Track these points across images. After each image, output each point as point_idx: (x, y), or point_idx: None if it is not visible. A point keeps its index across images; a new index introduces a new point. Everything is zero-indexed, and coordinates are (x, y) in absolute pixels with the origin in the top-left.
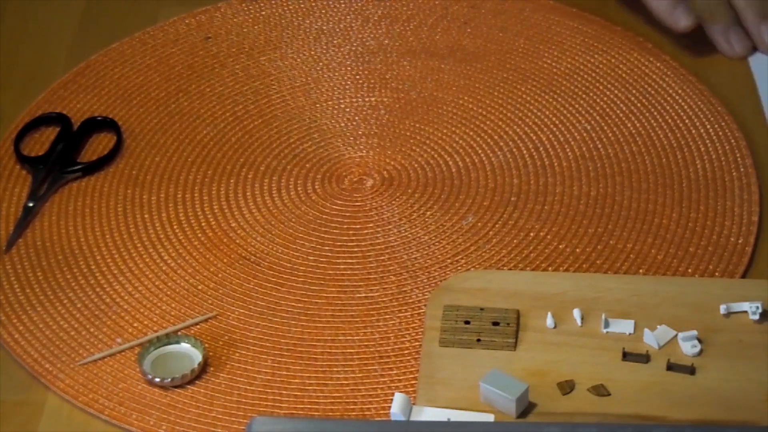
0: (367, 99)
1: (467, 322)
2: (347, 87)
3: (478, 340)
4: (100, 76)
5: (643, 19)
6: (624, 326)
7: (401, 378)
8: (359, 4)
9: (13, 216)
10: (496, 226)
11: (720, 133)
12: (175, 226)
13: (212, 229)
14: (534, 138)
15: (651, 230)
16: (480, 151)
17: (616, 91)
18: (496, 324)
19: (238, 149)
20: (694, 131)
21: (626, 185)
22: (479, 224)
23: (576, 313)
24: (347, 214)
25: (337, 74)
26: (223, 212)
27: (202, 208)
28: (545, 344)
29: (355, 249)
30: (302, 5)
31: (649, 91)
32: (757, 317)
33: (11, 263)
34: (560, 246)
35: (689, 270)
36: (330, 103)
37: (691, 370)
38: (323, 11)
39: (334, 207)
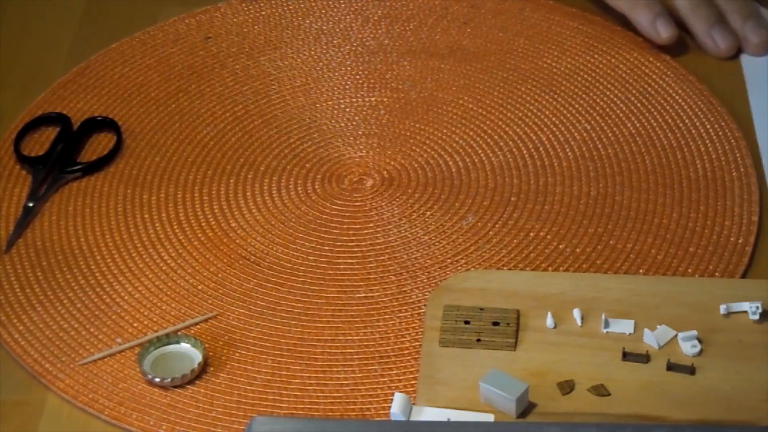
0: (367, 99)
1: (467, 322)
2: (347, 87)
3: (478, 340)
4: (100, 76)
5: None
6: (624, 326)
7: (401, 378)
8: (359, 4)
9: (13, 216)
10: (496, 226)
11: (720, 133)
12: (175, 226)
13: (212, 229)
14: (534, 138)
15: (651, 230)
16: (480, 151)
17: (616, 91)
18: (496, 324)
19: (238, 149)
20: (694, 131)
21: (626, 185)
22: (479, 224)
23: (576, 313)
24: (347, 214)
25: (337, 74)
26: (223, 212)
27: (202, 208)
28: (545, 344)
29: (355, 249)
30: (302, 5)
31: (649, 91)
32: (757, 317)
33: (11, 263)
34: (560, 246)
35: (689, 270)
36: (330, 103)
37: (691, 370)
38: (323, 11)
39: (334, 207)
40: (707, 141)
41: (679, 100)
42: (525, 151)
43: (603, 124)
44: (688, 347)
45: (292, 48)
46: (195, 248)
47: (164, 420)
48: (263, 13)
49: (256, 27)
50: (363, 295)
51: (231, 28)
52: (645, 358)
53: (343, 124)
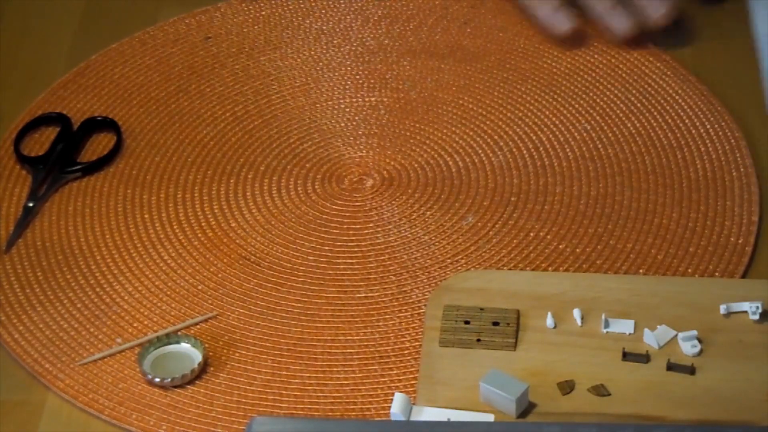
0: (367, 99)
1: (467, 322)
2: (347, 87)
3: (478, 340)
4: (100, 76)
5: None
6: (624, 326)
7: (401, 378)
8: (359, 4)
9: (13, 216)
10: (496, 226)
11: (720, 133)
12: (175, 226)
13: (212, 229)
14: (534, 138)
15: (651, 230)
16: (480, 151)
17: (616, 91)
18: (496, 324)
19: (238, 149)
20: (694, 131)
21: (626, 185)
22: (479, 224)
23: (576, 313)
24: (347, 214)
25: (337, 74)
26: (223, 212)
27: (202, 208)
28: (545, 344)
29: (355, 249)
30: (302, 5)
31: (649, 91)
32: (757, 317)
33: (11, 263)
34: (560, 246)
35: (689, 270)
36: (330, 103)
37: (691, 370)
38: (323, 11)
39: (334, 207)
40: (707, 141)
41: (679, 100)
42: (525, 151)
43: (603, 124)
44: (688, 347)
45: (292, 48)
46: (195, 248)
47: (164, 420)
48: (263, 13)
49: (256, 27)
50: (363, 295)
51: (231, 28)
52: (645, 358)
53: (343, 124)
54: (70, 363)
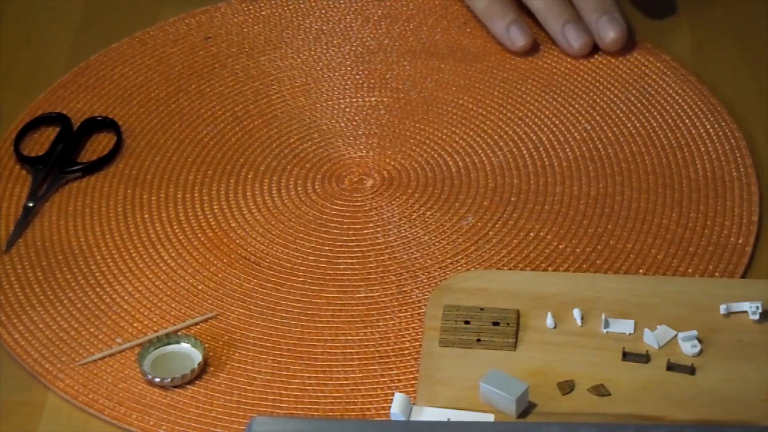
0: (367, 99)
1: (467, 322)
2: (347, 87)
3: (478, 340)
4: (100, 76)
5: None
6: (624, 326)
7: (401, 378)
8: (359, 4)
9: (13, 216)
10: (496, 226)
11: (720, 133)
12: (175, 226)
13: (212, 229)
14: (534, 138)
15: (651, 230)
16: (480, 151)
17: (616, 91)
18: (496, 324)
19: (238, 149)
20: (694, 131)
21: (626, 185)
22: (479, 224)
23: (576, 313)
24: (347, 214)
25: (337, 74)
26: (223, 212)
27: (202, 208)
28: (545, 344)
29: (355, 249)
30: (302, 5)
31: (649, 91)
32: (757, 317)
33: (11, 263)
34: (560, 246)
35: (689, 270)
36: (330, 103)
37: (691, 370)
38: (323, 11)
39: (334, 207)
40: (707, 141)
41: (679, 100)
42: (525, 151)
43: (603, 124)
44: (688, 347)
45: (292, 48)
46: (195, 248)
47: (164, 420)
48: (263, 13)
49: (256, 27)
50: (363, 295)
51: (231, 28)
52: (645, 358)
53: (343, 124)
54: (70, 363)
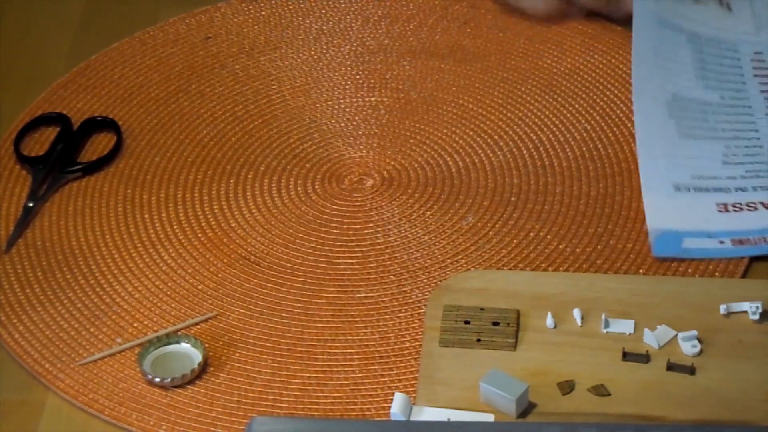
0: (367, 99)
1: (467, 322)
2: (347, 87)
3: (478, 340)
4: (100, 76)
5: None
6: (624, 326)
7: (401, 378)
8: (359, 4)
9: (13, 216)
10: (496, 226)
11: None
12: (175, 226)
13: (212, 229)
14: (534, 138)
15: None
16: (480, 151)
17: (616, 91)
18: (496, 324)
19: (238, 149)
20: None
21: (626, 185)
22: (479, 224)
23: (576, 313)
24: (347, 214)
25: (337, 74)
26: (223, 212)
27: (202, 208)
28: (545, 344)
29: (355, 249)
30: (302, 5)
31: None
32: (757, 317)
33: (11, 263)
34: (560, 246)
35: (689, 270)
36: (330, 103)
37: (691, 370)
38: (323, 11)
39: (334, 207)
40: None
41: None
42: (525, 151)
43: (603, 124)
44: (688, 347)
45: (292, 48)
46: (195, 248)
47: (164, 420)
48: (263, 13)
49: (256, 27)
50: (363, 295)
51: (231, 28)
52: (645, 358)
53: (343, 124)
54: (70, 363)
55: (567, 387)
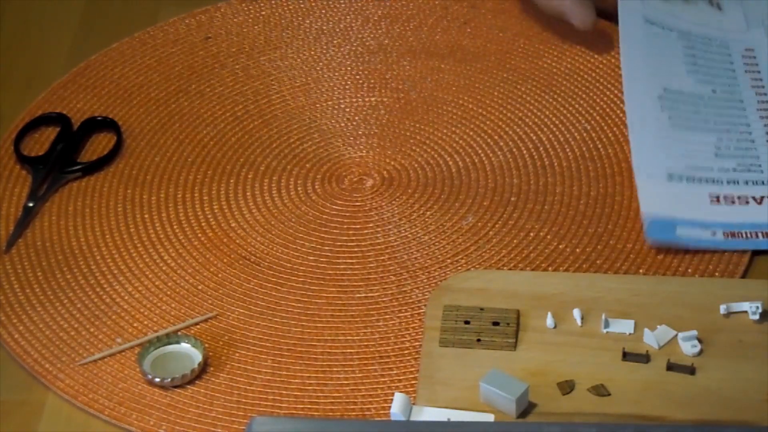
0: (367, 99)
1: (467, 322)
2: (347, 87)
3: (478, 340)
4: (100, 76)
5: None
6: (624, 326)
7: (401, 378)
8: (359, 4)
9: (13, 216)
10: (496, 226)
11: None
12: (175, 226)
13: (212, 229)
14: (534, 138)
15: None
16: (480, 151)
17: (616, 91)
18: (496, 324)
19: (238, 149)
20: None
21: (626, 185)
22: (479, 224)
23: (576, 313)
24: (347, 214)
25: (337, 74)
26: (223, 212)
27: (202, 208)
28: (545, 344)
29: (355, 249)
30: (302, 5)
31: None
32: (757, 317)
33: (11, 263)
34: (560, 246)
35: (689, 270)
36: (330, 103)
37: (691, 370)
38: (323, 11)
39: (334, 207)
40: None
41: None
42: (525, 151)
43: (603, 124)
44: (688, 347)
45: (292, 48)
46: (195, 248)
47: (164, 420)
48: (263, 13)
49: (256, 27)
50: (363, 295)
51: (231, 28)
52: (645, 358)
53: (343, 124)
54: (70, 363)
55: (567, 387)
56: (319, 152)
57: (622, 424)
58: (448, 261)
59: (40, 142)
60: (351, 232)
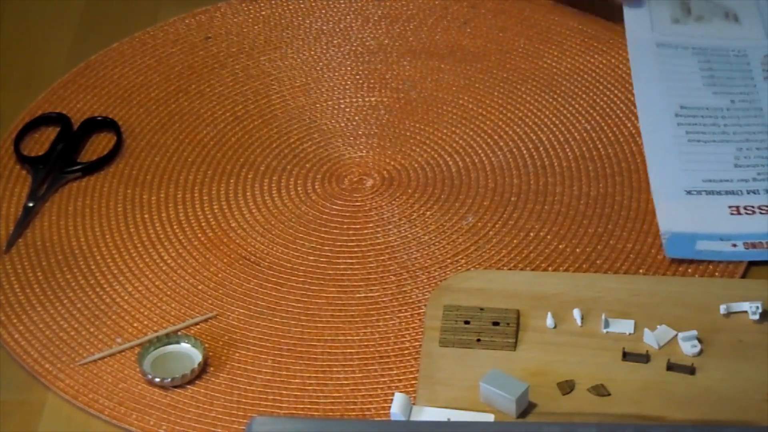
0: (367, 99)
1: (467, 322)
2: (347, 87)
3: (478, 340)
4: (100, 76)
5: None
6: (624, 326)
7: (401, 378)
8: (359, 4)
9: (13, 216)
10: (496, 226)
11: None
12: (175, 226)
13: (212, 229)
14: (534, 138)
15: (651, 230)
16: (480, 151)
17: (616, 91)
18: (496, 324)
19: (238, 149)
20: None
21: (626, 185)
22: (479, 224)
23: (576, 313)
24: (347, 214)
25: (337, 74)
26: (223, 212)
27: (202, 208)
28: (545, 344)
29: (355, 249)
30: (302, 5)
31: None
32: (757, 317)
33: (11, 263)
34: (560, 246)
35: (689, 270)
36: (330, 103)
37: (691, 370)
38: (323, 11)
39: (334, 207)
40: None
41: None
42: (525, 151)
43: (603, 124)
44: (688, 347)
45: (292, 48)
46: (195, 248)
47: (164, 420)
48: (263, 13)
49: (256, 27)
50: (363, 295)
51: (231, 28)
52: (645, 358)
53: (343, 124)
54: (70, 363)
55: (567, 387)
56: (319, 152)
57: (622, 424)
58: (448, 261)
59: (40, 142)
60: (351, 232)
